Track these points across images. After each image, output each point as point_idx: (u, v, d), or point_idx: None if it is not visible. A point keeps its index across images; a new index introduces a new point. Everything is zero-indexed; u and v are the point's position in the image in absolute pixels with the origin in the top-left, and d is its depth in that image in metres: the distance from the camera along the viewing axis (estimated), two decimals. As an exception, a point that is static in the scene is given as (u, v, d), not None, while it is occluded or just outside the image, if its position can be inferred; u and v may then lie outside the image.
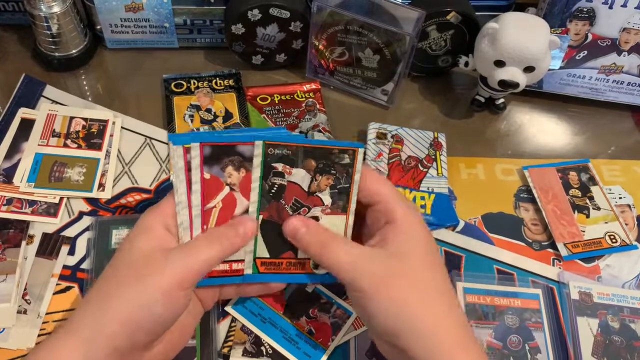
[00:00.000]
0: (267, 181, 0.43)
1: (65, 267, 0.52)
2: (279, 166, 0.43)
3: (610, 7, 0.63)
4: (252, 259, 0.44)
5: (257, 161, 0.42)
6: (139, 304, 0.37)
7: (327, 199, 0.44)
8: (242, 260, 0.44)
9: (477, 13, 0.66)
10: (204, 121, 0.64)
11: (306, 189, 0.44)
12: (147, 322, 0.38)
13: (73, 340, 0.37)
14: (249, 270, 0.44)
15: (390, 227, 0.41)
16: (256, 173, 0.42)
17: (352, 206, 0.45)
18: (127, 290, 0.38)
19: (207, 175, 0.42)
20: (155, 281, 0.38)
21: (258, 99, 0.67)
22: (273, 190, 0.43)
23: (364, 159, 0.44)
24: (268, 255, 0.44)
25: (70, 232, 0.55)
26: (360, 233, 0.46)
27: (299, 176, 0.43)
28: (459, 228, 0.59)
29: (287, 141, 0.42)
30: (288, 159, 0.43)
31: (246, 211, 0.43)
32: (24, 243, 0.53)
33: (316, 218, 0.44)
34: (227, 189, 0.43)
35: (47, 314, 0.49)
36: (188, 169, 0.41)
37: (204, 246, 0.41)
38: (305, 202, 0.44)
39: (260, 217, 0.43)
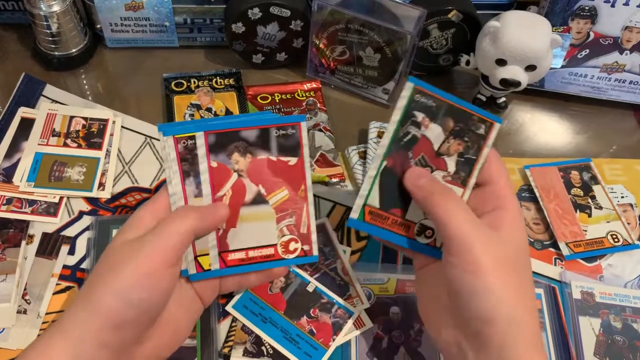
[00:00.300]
0: (404, 128, 0.42)
1: (65, 266, 0.52)
2: (420, 115, 0.42)
3: (613, 6, 0.63)
4: (362, 204, 0.43)
5: (402, 103, 0.41)
6: (116, 293, 0.37)
7: (451, 165, 0.43)
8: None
9: (478, 11, 0.65)
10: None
11: (436, 149, 0.43)
12: (128, 311, 0.37)
13: (63, 338, 0.37)
14: (354, 215, 0.43)
15: (503, 214, 0.40)
16: (396, 115, 0.41)
17: (472, 181, 0.43)
18: (107, 281, 0.37)
19: (214, 164, 0.42)
20: (130, 267, 0.37)
21: (258, 98, 0.67)
22: (406, 139, 0.42)
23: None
24: (378, 206, 0.43)
25: (70, 232, 0.54)
26: None
27: (434, 133, 0.42)
28: (460, 227, 0.59)
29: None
30: (431, 111, 0.42)
31: (257, 196, 0.43)
32: (23, 243, 0.53)
33: None
34: (235, 176, 0.43)
35: (47, 313, 0.49)
36: (182, 159, 0.41)
37: (174, 222, 0.39)
38: (431, 162, 0.43)
39: (384, 163, 0.42)
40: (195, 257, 0.43)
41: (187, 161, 0.42)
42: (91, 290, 0.38)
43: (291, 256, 0.45)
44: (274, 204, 0.44)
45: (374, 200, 0.43)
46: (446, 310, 0.40)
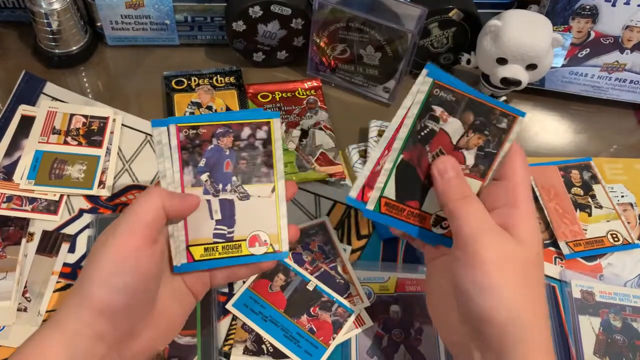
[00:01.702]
0: (421, 122, 0.42)
1: (65, 264, 0.52)
2: (438, 110, 0.41)
3: (613, 5, 0.63)
4: (378, 196, 0.43)
5: (420, 97, 0.41)
6: (100, 282, 0.37)
7: (470, 159, 0.43)
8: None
9: (479, 10, 0.65)
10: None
11: (454, 142, 0.42)
12: (116, 297, 0.37)
13: (59, 332, 0.37)
14: (370, 207, 0.43)
15: (517, 213, 0.40)
16: (414, 109, 0.41)
17: (491, 174, 0.43)
18: (92, 272, 0.38)
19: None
20: (108, 254, 0.37)
21: (259, 97, 0.66)
22: (423, 133, 0.42)
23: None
24: (394, 198, 0.43)
25: (70, 230, 0.54)
26: None
27: (453, 127, 0.42)
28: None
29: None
30: (450, 105, 0.41)
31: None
32: (24, 240, 0.53)
33: None
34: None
35: (47, 311, 0.49)
36: (183, 147, 0.42)
37: (142, 201, 0.39)
38: (450, 155, 0.43)
39: (401, 156, 0.42)
40: (187, 247, 0.43)
41: (187, 150, 0.42)
42: (81, 284, 0.38)
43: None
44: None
45: (390, 193, 0.43)
46: (454, 307, 0.40)
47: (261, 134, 0.44)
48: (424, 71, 0.41)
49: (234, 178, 0.44)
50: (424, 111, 0.41)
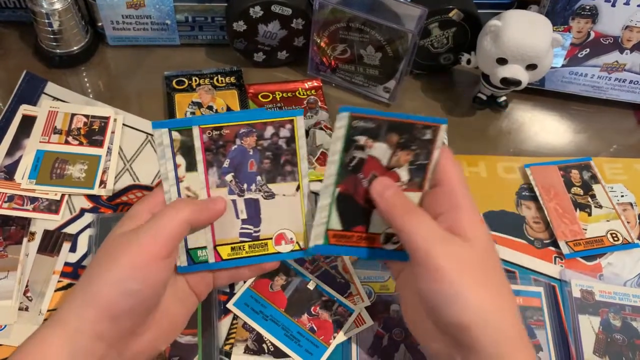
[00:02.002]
0: (348, 154, 0.42)
1: (66, 264, 0.52)
2: (362, 139, 0.42)
3: (613, 5, 0.63)
4: (324, 230, 0.43)
5: (340, 133, 0.41)
6: (112, 284, 0.37)
7: (404, 175, 0.43)
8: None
9: (479, 10, 0.65)
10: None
11: (385, 164, 0.43)
12: (125, 301, 0.38)
13: (60, 329, 0.37)
14: (319, 241, 0.43)
15: (460, 215, 0.40)
16: (338, 145, 0.42)
17: (427, 184, 0.44)
18: (103, 273, 0.38)
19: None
20: (126, 258, 0.38)
21: (260, 96, 0.67)
22: (352, 164, 0.42)
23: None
24: (340, 228, 0.44)
25: (71, 229, 0.55)
26: None
27: (380, 150, 0.42)
28: (460, 226, 0.59)
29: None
30: (371, 132, 0.42)
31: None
32: (25, 240, 0.53)
33: None
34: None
35: (48, 310, 0.50)
36: (207, 149, 0.42)
37: (169, 213, 0.40)
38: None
39: (337, 189, 0.43)
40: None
41: (211, 151, 0.42)
42: (88, 282, 0.38)
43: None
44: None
45: (336, 224, 0.44)
46: (428, 317, 0.41)
47: (284, 132, 0.44)
48: (339, 113, 0.41)
49: (258, 177, 0.44)
50: (348, 144, 0.42)
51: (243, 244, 0.44)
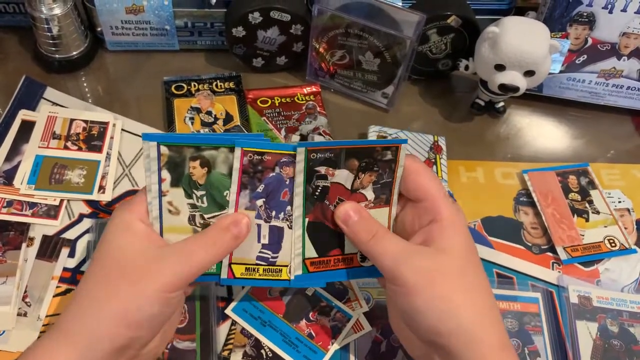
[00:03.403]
0: (311, 184, 0.43)
1: (65, 269, 0.52)
2: (322, 169, 0.43)
3: (610, 12, 0.63)
4: (302, 260, 0.44)
5: (300, 167, 0.42)
6: (137, 306, 0.38)
7: (370, 194, 0.44)
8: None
9: (477, 17, 0.66)
10: (204, 124, 0.64)
11: (349, 187, 0.44)
12: (146, 322, 0.38)
13: (69, 342, 0.37)
14: (298, 272, 0.44)
15: (436, 226, 0.41)
16: (299, 178, 0.42)
17: (395, 198, 0.45)
18: (123, 291, 0.38)
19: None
20: (150, 284, 0.38)
21: (258, 102, 0.67)
22: (317, 193, 0.43)
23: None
24: (316, 255, 0.45)
25: (70, 235, 0.55)
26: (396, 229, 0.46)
27: (342, 176, 0.43)
28: (458, 231, 0.59)
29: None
30: (331, 161, 0.43)
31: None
32: (24, 245, 0.53)
33: None
34: None
35: (47, 316, 0.49)
36: (244, 171, 0.42)
37: (198, 251, 0.40)
38: (349, 200, 0.44)
39: (307, 219, 0.44)
40: (230, 264, 0.44)
41: (248, 174, 0.42)
42: (104, 297, 0.38)
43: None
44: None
45: (311, 252, 0.45)
46: (407, 327, 0.41)
47: None
48: (297, 149, 0.42)
49: (288, 207, 0.44)
50: (310, 175, 0.43)
51: (258, 267, 0.45)
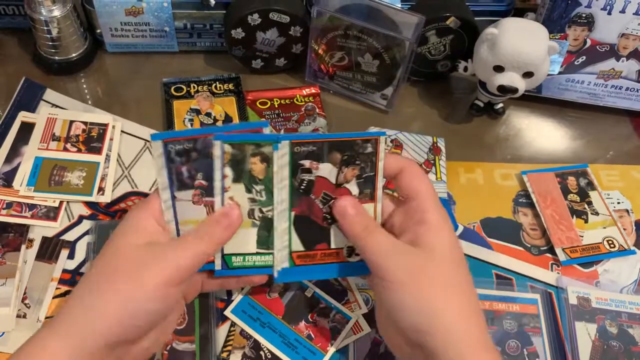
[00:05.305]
0: (296, 178, 0.44)
1: (64, 271, 0.52)
2: (306, 163, 0.43)
3: (609, 13, 0.63)
4: (288, 253, 0.45)
5: (285, 160, 0.43)
6: (133, 301, 0.38)
7: (354, 189, 0.45)
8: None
9: (476, 18, 0.66)
10: (204, 125, 0.64)
11: (334, 182, 0.45)
12: (142, 318, 0.38)
13: (62, 336, 0.37)
14: (285, 264, 0.45)
15: (423, 228, 0.42)
16: (284, 172, 0.43)
17: (379, 193, 0.45)
18: (120, 287, 0.38)
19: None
20: (147, 278, 0.38)
21: (258, 103, 0.67)
22: (302, 187, 0.44)
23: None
24: (303, 248, 0.46)
25: (69, 236, 0.55)
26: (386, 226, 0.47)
27: (326, 170, 0.44)
28: (457, 233, 0.59)
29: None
30: (314, 154, 0.43)
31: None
32: (23, 247, 0.53)
33: None
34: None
35: (46, 317, 0.50)
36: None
37: (193, 242, 0.41)
38: (334, 194, 0.45)
39: (293, 213, 0.44)
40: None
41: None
42: (100, 292, 0.38)
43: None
44: None
45: (298, 246, 0.45)
46: (391, 324, 0.42)
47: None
48: (280, 142, 0.42)
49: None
50: (295, 168, 0.43)
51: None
